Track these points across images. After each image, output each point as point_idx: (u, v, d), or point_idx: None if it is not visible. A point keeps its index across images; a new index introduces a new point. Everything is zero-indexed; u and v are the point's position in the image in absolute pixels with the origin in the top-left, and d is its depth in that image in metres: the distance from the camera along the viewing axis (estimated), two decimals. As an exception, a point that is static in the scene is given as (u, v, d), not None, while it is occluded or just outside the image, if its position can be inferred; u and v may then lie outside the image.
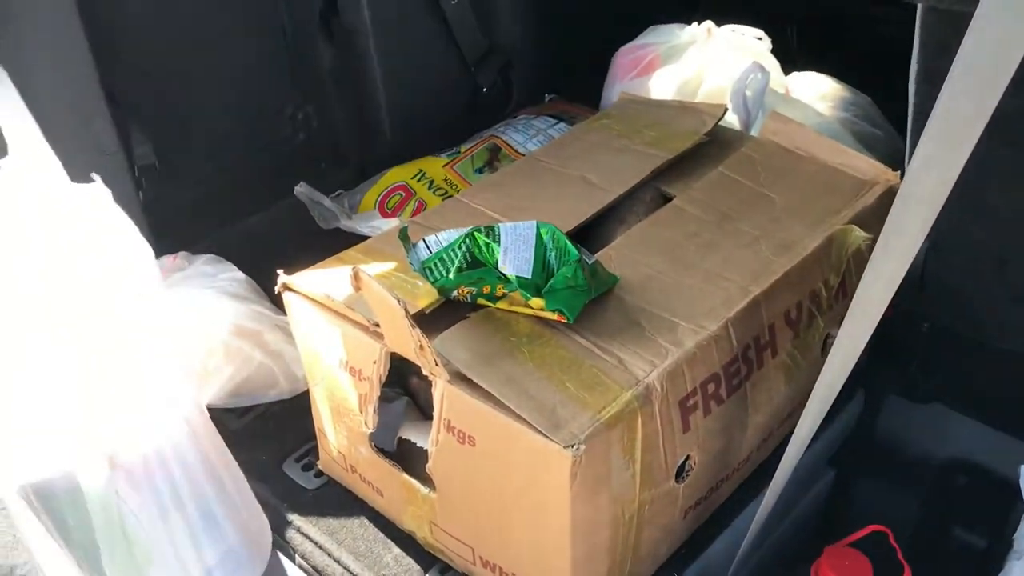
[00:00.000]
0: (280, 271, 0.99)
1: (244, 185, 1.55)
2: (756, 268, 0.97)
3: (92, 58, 1.25)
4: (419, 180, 1.56)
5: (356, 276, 0.85)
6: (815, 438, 0.88)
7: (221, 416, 1.20)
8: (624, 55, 1.66)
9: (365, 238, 1.10)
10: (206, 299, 1.20)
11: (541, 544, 0.87)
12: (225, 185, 1.53)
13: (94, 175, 0.96)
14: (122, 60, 1.35)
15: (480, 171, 1.57)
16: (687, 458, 0.90)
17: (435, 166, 1.58)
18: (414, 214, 1.49)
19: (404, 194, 1.54)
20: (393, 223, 1.41)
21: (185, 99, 1.49)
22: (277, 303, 1.21)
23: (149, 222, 1.37)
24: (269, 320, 1.21)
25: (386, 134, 1.69)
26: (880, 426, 1.24)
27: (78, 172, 1.28)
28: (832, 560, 0.98)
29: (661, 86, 1.57)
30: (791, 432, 0.88)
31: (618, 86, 1.63)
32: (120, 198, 1.32)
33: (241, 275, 1.26)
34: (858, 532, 1.00)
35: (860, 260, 1.03)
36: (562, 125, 1.64)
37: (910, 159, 0.70)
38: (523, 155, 1.56)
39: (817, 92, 1.60)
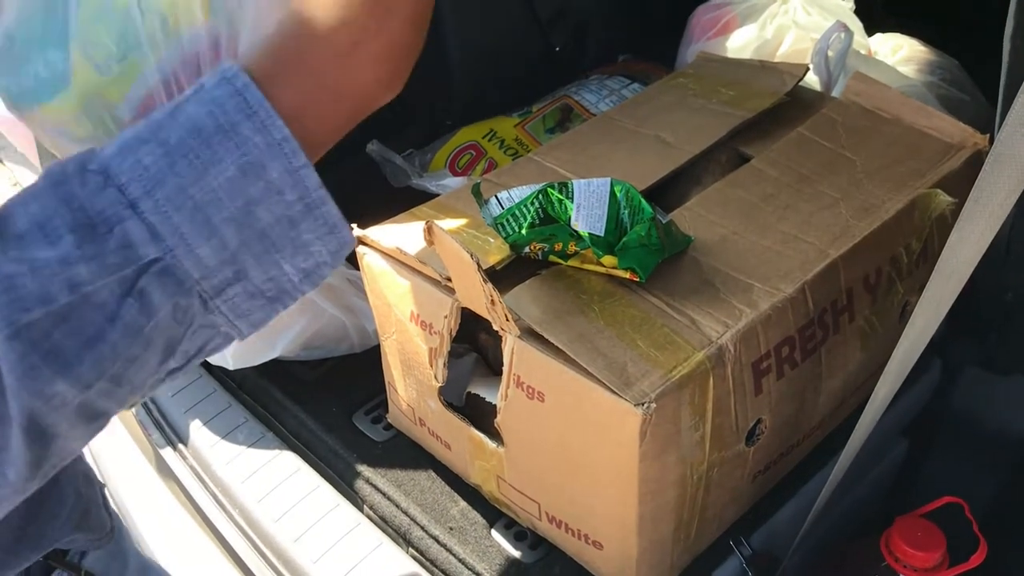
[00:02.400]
0: (353, 225, 1.00)
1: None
2: (835, 231, 0.94)
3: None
4: (490, 139, 1.55)
5: (429, 230, 0.85)
6: (889, 407, 0.86)
7: (294, 368, 1.23)
8: (701, 14, 1.63)
9: (435, 196, 1.10)
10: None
11: (607, 502, 0.87)
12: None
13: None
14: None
15: (551, 131, 1.56)
16: (758, 421, 0.89)
17: (506, 125, 1.57)
18: (484, 173, 1.49)
19: (475, 153, 1.54)
20: (463, 181, 1.41)
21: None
22: (349, 258, 1.22)
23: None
24: (341, 274, 1.23)
25: (457, 92, 1.68)
26: (956, 397, 1.21)
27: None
28: (904, 530, 0.96)
29: (738, 46, 1.53)
30: (864, 400, 0.86)
31: (694, 46, 1.60)
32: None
33: (315, 229, 1.28)
34: (931, 503, 0.99)
35: (943, 225, 1.00)
36: (636, 85, 1.62)
37: (1001, 121, 0.67)
38: (595, 115, 1.54)
39: (901, 54, 1.55)
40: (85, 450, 0.65)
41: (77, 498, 0.72)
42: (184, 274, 0.39)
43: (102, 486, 0.79)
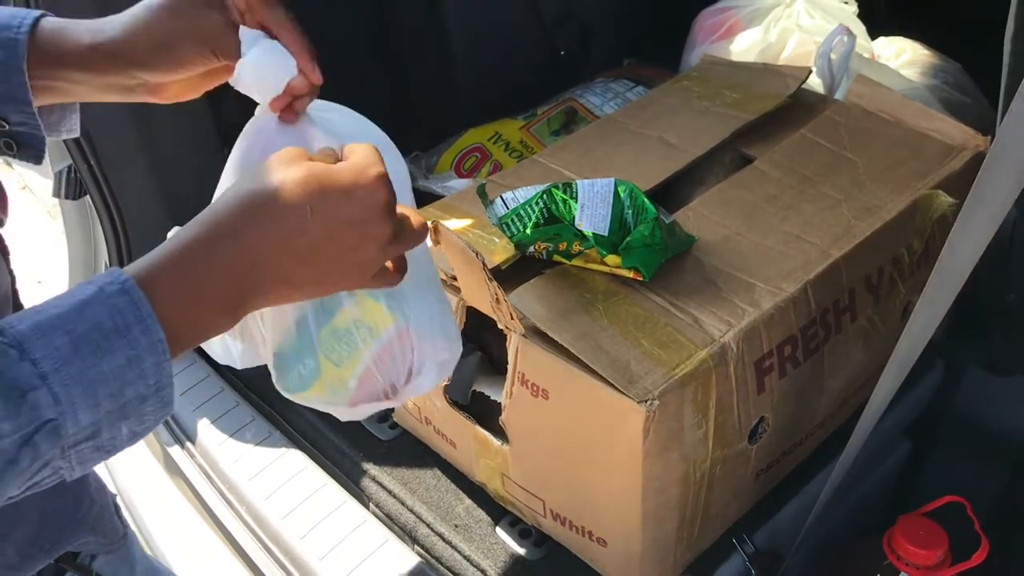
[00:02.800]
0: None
1: (325, 144, 1.57)
2: (837, 231, 0.95)
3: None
4: (495, 142, 1.57)
5: (435, 229, 0.86)
6: (892, 407, 0.87)
7: (300, 367, 1.23)
8: (705, 18, 1.64)
9: (441, 198, 1.11)
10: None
11: (611, 499, 0.88)
12: (306, 144, 1.56)
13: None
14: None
15: (556, 134, 1.57)
16: (761, 419, 0.90)
17: (511, 128, 1.59)
18: (489, 175, 1.50)
19: (480, 155, 1.55)
20: (469, 183, 1.42)
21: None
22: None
23: (233, 177, 1.41)
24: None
25: (463, 95, 1.69)
26: (959, 398, 1.22)
27: (167, 125, 1.32)
28: (906, 529, 0.97)
29: (742, 50, 1.54)
30: (866, 400, 0.87)
31: (698, 50, 1.61)
32: (207, 153, 1.38)
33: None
34: (934, 502, 0.99)
35: (945, 226, 1.00)
36: (640, 89, 1.63)
37: (1002, 121, 0.68)
38: (600, 118, 1.55)
39: (905, 58, 1.56)
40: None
41: (91, 504, 0.74)
42: (64, 431, 0.50)
43: (114, 496, 0.81)
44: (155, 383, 0.53)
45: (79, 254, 1.42)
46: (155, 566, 0.90)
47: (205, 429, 1.21)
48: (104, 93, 0.69)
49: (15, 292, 0.67)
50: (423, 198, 1.37)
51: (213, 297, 0.55)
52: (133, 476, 1.24)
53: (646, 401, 0.77)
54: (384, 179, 0.59)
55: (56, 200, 1.32)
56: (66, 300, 0.51)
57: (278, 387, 0.71)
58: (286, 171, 0.57)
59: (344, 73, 1.62)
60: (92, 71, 0.67)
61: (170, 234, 0.59)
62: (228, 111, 1.39)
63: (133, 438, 0.55)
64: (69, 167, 1.26)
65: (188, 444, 1.23)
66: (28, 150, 0.68)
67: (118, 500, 0.82)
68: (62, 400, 0.49)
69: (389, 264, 0.63)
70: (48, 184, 1.31)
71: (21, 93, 0.64)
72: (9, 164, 3.21)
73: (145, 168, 1.30)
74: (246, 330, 0.76)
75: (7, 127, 0.66)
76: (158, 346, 0.52)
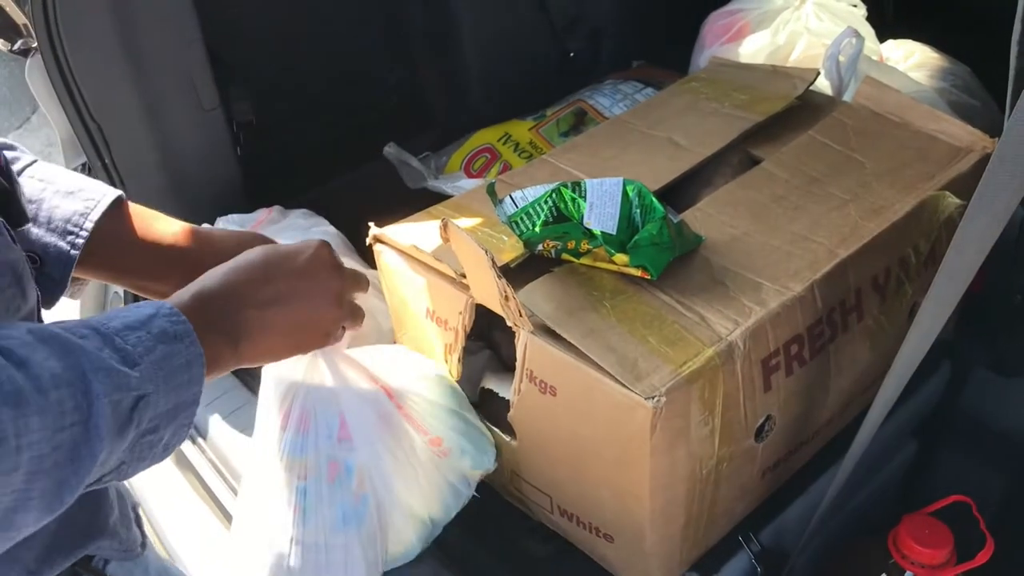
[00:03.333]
0: (371, 223, 1.02)
1: (335, 144, 1.59)
2: (844, 231, 0.96)
3: (197, 20, 1.29)
4: (505, 143, 1.58)
5: (445, 227, 0.87)
6: (898, 408, 0.88)
7: (310, 364, 1.24)
8: (714, 21, 1.65)
9: (450, 198, 1.12)
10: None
11: (619, 495, 0.89)
12: (317, 144, 1.57)
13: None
14: (225, 23, 1.39)
15: (566, 135, 1.58)
16: (767, 418, 0.90)
17: (521, 129, 1.60)
18: (499, 176, 1.51)
19: (490, 156, 1.56)
20: (478, 184, 1.43)
21: (282, 61, 1.53)
22: (366, 258, 1.24)
23: (246, 175, 1.42)
24: (358, 274, 1.25)
25: (473, 96, 1.70)
26: (966, 399, 1.22)
27: (180, 126, 1.33)
28: (911, 528, 0.97)
29: (751, 52, 1.55)
30: (873, 400, 0.88)
31: (707, 52, 1.62)
32: (219, 152, 1.39)
33: (332, 229, 1.30)
34: (940, 502, 1.00)
35: (952, 228, 1.00)
36: (649, 90, 1.64)
37: (1008, 121, 0.69)
38: (609, 119, 1.56)
39: (913, 60, 1.56)
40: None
41: (110, 509, 0.76)
42: (153, 409, 0.58)
43: (135, 504, 0.83)
44: (195, 393, 0.62)
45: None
46: (167, 568, 0.91)
47: (216, 425, 1.22)
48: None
49: (39, 308, 0.69)
50: (433, 197, 1.39)
51: (221, 330, 0.67)
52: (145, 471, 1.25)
53: (653, 398, 0.78)
54: (325, 243, 0.76)
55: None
56: (130, 313, 0.61)
57: None
58: (256, 250, 0.74)
59: (357, 74, 1.64)
60: (143, 277, 0.82)
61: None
62: (241, 111, 1.41)
63: (166, 451, 0.63)
64: (83, 164, 1.27)
65: (199, 439, 1.24)
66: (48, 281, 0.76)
67: (139, 510, 0.84)
68: (154, 379, 0.58)
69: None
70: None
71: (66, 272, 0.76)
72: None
73: (158, 167, 1.32)
74: None
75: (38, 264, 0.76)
76: (200, 359, 0.62)
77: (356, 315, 0.81)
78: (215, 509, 1.19)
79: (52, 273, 0.76)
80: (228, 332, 0.68)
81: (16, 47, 1.22)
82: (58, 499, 0.54)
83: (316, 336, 0.76)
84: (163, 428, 0.60)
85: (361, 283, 0.82)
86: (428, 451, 0.92)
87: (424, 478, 0.92)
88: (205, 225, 0.92)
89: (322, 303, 0.74)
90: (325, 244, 0.77)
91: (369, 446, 0.87)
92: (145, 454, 0.60)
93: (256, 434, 0.90)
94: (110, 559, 0.78)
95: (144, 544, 0.83)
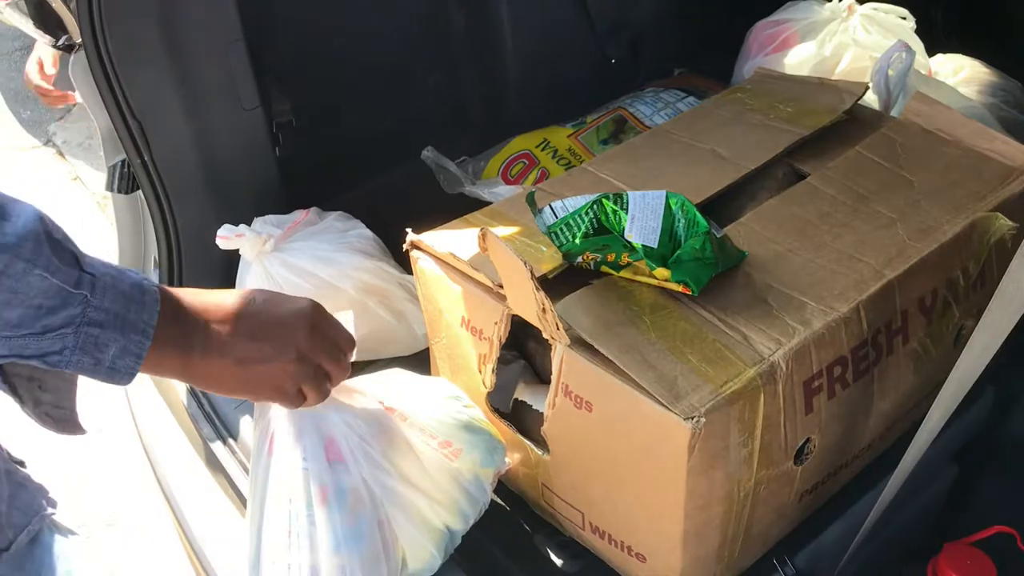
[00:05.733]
0: (408, 229, 1.02)
1: (374, 147, 1.58)
2: (891, 251, 0.93)
3: (239, 21, 1.29)
4: (543, 149, 1.56)
5: (484, 236, 0.86)
6: (941, 432, 0.85)
7: (342, 368, 1.24)
8: (760, 30, 1.62)
9: (487, 204, 1.11)
10: (335, 253, 1.23)
11: (653, 515, 0.87)
12: (355, 146, 1.57)
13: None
14: (266, 24, 1.39)
15: (605, 142, 1.56)
16: (807, 440, 0.88)
17: (560, 135, 1.58)
18: (537, 183, 1.49)
19: (527, 162, 1.55)
20: (516, 190, 1.41)
21: (321, 62, 1.53)
22: (401, 262, 1.24)
23: (284, 176, 1.42)
24: (394, 278, 1.24)
25: (512, 102, 1.69)
26: (1011, 426, 1.19)
27: (220, 125, 1.33)
28: (952, 557, 0.95)
29: (796, 63, 1.52)
30: (915, 424, 0.85)
31: (752, 62, 1.59)
32: (258, 152, 1.39)
33: (369, 232, 1.29)
34: (982, 531, 0.97)
35: (1003, 250, 0.99)
36: (691, 99, 1.61)
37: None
38: (649, 128, 1.54)
39: (963, 75, 1.53)
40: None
41: None
42: (95, 295, 0.65)
43: (43, 513, 0.87)
44: (143, 329, 0.67)
45: (128, 247, 1.44)
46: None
47: (247, 427, 1.22)
48: None
49: None
50: (470, 203, 1.38)
51: (183, 328, 0.71)
52: (176, 470, 1.25)
53: (692, 418, 0.76)
54: (318, 305, 0.79)
55: (106, 192, 1.34)
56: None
57: None
58: (256, 288, 0.79)
59: (396, 76, 1.64)
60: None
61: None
62: (281, 112, 1.41)
63: (112, 373, 0.67)
64: (123, 161, 1.27)
65: (230, 440, 1.24)
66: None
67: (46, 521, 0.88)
68: (101, 273, 0.66)
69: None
70: (99, 176, 1.33)
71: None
72: (61, 154, 3.28)
73: (197, 166, 1.32)
74: None
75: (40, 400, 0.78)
76: (155, 304, 0.68)
77: (319, 383, 0.79)
78: (244, 510, 1.18)
79: None
80: (188, 335, 0.71)
81: (61, 43, 1.23)
82: None
83: (265, 385, 0.76)
84: (106, 325, 0.65)
85: (337, 357, 0.80)
86: (439, 457, 0.90)
87: (435, 488, 0.90)
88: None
89: (280, 352, 0.74)
90: (318, 306, 0.79)
91: (368, 464, 0.86)
92: (90, 344, 0.64)
93: (251, 461, 0.90)
94: None
95: (12, 545, 0.84)
